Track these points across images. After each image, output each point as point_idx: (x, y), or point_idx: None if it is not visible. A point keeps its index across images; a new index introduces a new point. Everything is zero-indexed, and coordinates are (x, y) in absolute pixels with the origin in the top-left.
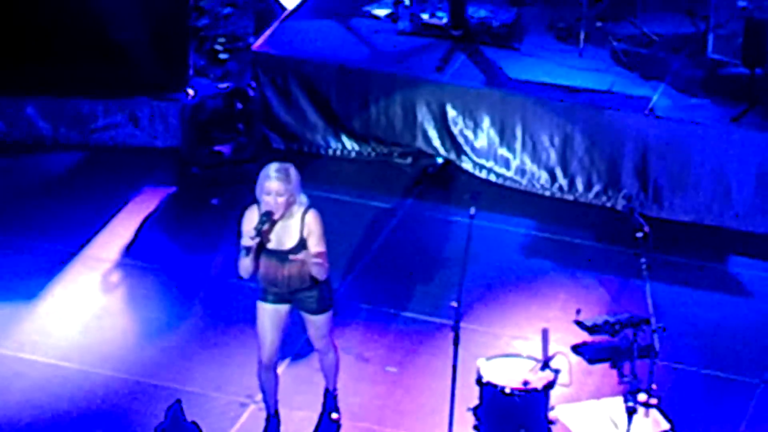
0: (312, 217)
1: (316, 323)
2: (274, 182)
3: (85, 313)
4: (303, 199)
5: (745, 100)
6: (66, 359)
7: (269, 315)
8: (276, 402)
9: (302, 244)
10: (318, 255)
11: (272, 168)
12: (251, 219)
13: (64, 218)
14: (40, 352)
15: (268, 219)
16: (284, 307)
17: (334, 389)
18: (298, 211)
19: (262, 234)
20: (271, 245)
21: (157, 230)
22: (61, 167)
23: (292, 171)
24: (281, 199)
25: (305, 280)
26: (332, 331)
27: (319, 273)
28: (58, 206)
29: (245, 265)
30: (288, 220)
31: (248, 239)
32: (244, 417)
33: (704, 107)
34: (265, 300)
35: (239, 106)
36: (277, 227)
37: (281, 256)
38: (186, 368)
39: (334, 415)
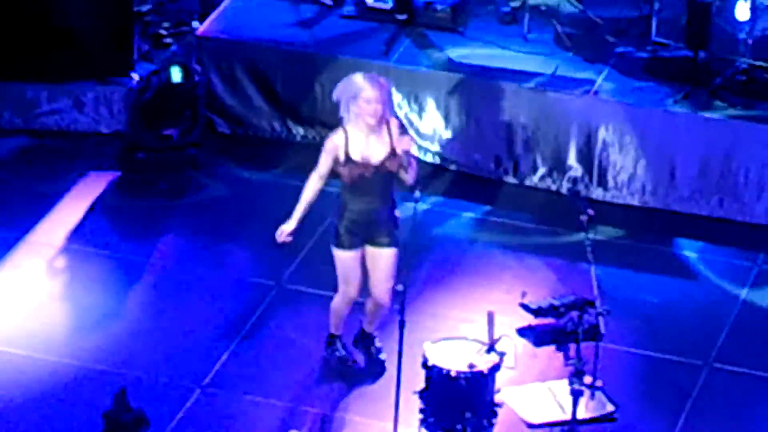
0: (395, 122)
1: (386, 258)
2: (371, 91)
3: (30, 298)
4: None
5: (688, 82)
6: (11, 345)
7: (351, 260)
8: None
9: (393, 154)
10: (408, 152)
11: (360, 77)
12: (337, 145)
13: (8, 204)
14: None
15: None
16: (360, 251)
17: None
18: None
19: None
20: (357, 160)
21: (102, 215)
22: (5, 152)
23: (382, 78)
24: (381, 107)
25: (387, 200)
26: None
27: (411, 174)
28: (2, 192)
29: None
30: (375, 134)
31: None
32: (190, 402)
33: (648, 90)
34: (341, 246)
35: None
36: (363, 145)
37: (370, 171)
38: (132, 354)
39: (383, 355)
